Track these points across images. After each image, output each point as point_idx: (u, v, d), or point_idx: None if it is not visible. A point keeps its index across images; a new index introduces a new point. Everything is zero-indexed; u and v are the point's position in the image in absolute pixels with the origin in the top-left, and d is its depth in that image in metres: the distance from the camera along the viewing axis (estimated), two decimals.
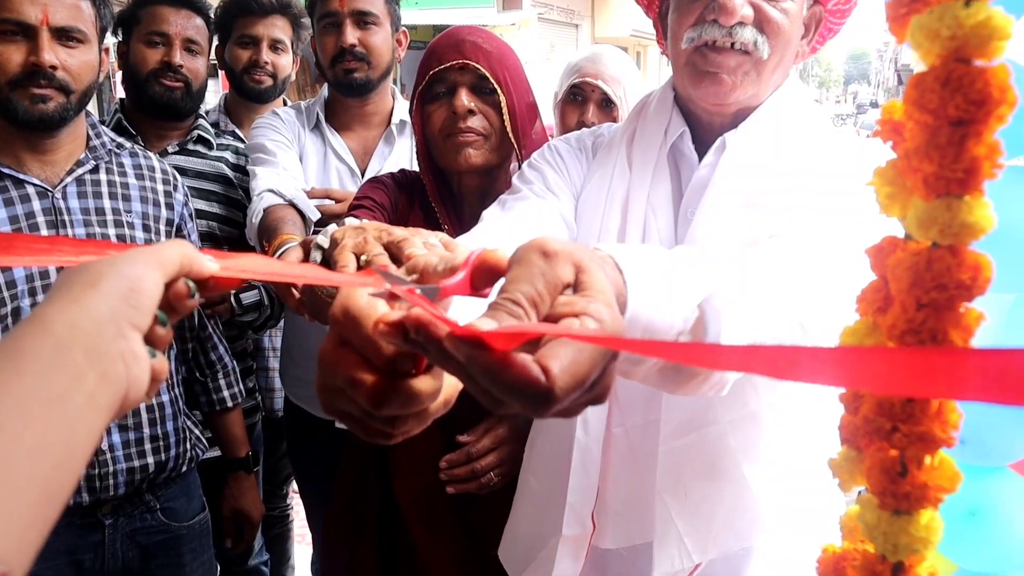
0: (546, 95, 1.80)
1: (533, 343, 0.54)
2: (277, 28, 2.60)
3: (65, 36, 1.65)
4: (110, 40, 1.94)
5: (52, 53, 1.63)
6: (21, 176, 1.69)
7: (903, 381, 0.38)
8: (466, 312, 0.61)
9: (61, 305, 0.57)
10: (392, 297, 0.60)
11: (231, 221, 2.41)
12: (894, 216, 0.65)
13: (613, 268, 0.69)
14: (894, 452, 0.64)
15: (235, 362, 2.20)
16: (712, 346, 0.50)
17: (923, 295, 0.59)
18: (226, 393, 2.14)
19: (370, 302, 0.59)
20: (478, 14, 14.59)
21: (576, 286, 0.59)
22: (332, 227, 1.14)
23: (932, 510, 0.64)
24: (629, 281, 0.69)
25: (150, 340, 0.62)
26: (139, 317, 0.59)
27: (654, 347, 0.53)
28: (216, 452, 2.27)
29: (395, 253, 0.93)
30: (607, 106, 2.30)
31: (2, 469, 0.46)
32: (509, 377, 0.51)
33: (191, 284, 0.65)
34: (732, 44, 1.23)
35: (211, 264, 0.66)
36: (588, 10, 20.30)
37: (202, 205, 2.31)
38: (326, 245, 1.12)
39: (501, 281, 0.62)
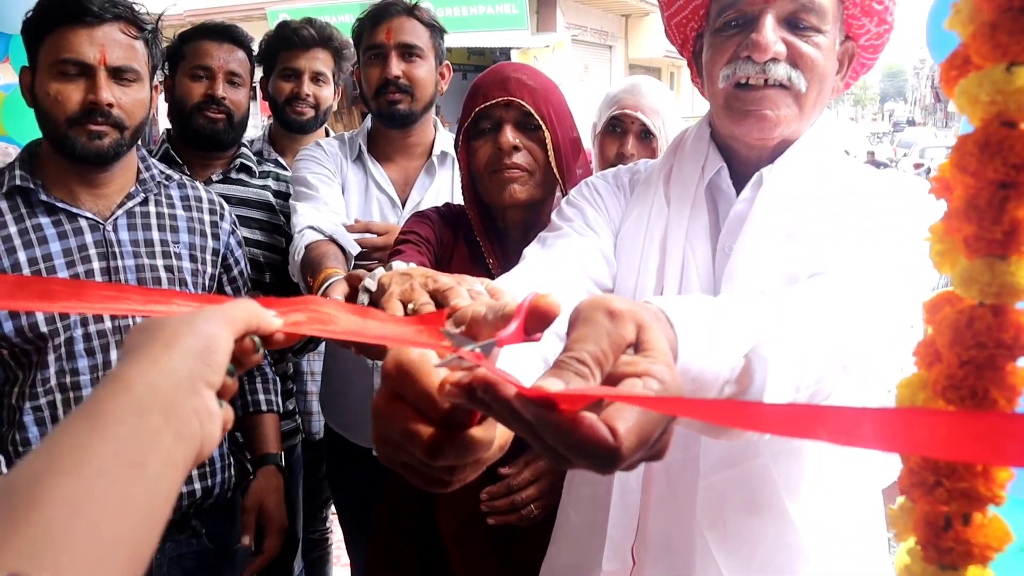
0: (579, 116, 1.82)
1: (597, 402, 0.55)
2: (319, 61, 2.67)
3: (120, 75, 1.71)
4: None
5: (108, 91, 1.68)
6: (74, 210, 1.75)
7: (954, 447, 0.40)
8: (512, 358, 0.63)
9: (142, 366, 0.59)
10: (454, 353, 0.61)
11: (274, 247, 2.46)
12: (945, 273, 0.67)
13: (665, 322, 0.70)
14: (942, 506, 0.65)
15: (277, 378, 2.21)
16: (766, 409, 0.52)
17: (963, 352, 0.61)
18: (262, 397, 2.11)
19: (422, 355, 0.61)
20: (512, 36, 14.66)
21: (637, 345, 0.61)
22: (379, 271, 1.17)
23: (981, 568, 0.64)
24: (680, 334, 0.70)
25: (218, 392, 0.65)
26: (213, 375, 0.63)
27: (713, 411, 0.55)
28: None
29: (441, 301, 0.96)
30: (646, 137, 2.30)
31: (92, 532, 0.49)
32: (578, 438, 0.53)
33: (256, 340, 0.69)
34: (766, 81, 1.25)
35: (275, 321, 0.70)
36: (622, 31, 20.34)
37: (245, 232, 2.36)
38: (373, 289, 1.15)
39: (554, 326, 0.64)
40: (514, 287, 0.94)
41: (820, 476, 1.23)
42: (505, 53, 14.52)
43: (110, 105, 1.69)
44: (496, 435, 0.64)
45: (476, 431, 0.61)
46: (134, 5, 1.74)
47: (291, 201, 2.25)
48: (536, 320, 0.64)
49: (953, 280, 0.65)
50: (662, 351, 0.61)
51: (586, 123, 2.45)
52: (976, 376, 0.61)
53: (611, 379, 0.58)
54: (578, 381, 0.56)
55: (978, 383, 0.61)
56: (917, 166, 23.19)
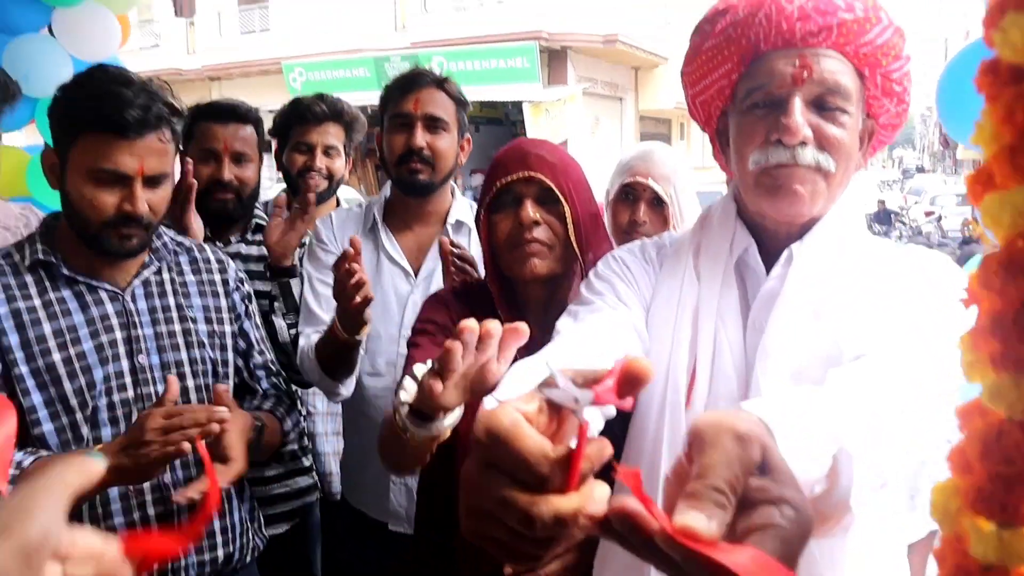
0: (590, 168, 1.83)
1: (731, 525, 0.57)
2: (330, 135, 2.77)
3: (154, 181, 1.74)
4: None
5: (144, 202, 1.72)
6: (94, 283, 1.79)
7: None
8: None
9: None
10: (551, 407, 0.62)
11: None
12: (976, 382, 0.68)
13: (767, 433, 0.70)
14: None
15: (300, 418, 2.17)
16: None
17: (992, 467, 0.62)
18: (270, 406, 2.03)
19: (514, 420, 0.59)
20: (525, 90, 14.84)
21: (764, 467, 0.62)
22: (420, 368, 1.19)
23: None
24: (779, 443, 0.70)
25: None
26: (46, 556, 0.64)
27: None
28: (278, 530, 2.32)
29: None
30: (658, 205, 2.32)
31: None
32: None
33: None
34: (795, 165, 1.27)
35: (100, 465, 0.77)
36: (632, 83, 20.58)
37: (264, 287, 2.44)
38: (414, 391, 1.16)
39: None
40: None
41: (860, 549, 1.21)
42: (517, 106, 14.71)
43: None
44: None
45: (575, 497, 0.59)
46: (164, 104, 1.74)
47: (300, 324, 2.31)
48: (628, 384, 0.63)
49: (983, 393, 0.66)
50: (789, 473, 0.62)
51: (597, 175, 2.48)
52: (1005, 491, 0.62)
53: (744, 504, 0.59)
54: (719, 512, 0.57)
55: (1008, 498, 0.62)
56: (928, 214, 23.14)
